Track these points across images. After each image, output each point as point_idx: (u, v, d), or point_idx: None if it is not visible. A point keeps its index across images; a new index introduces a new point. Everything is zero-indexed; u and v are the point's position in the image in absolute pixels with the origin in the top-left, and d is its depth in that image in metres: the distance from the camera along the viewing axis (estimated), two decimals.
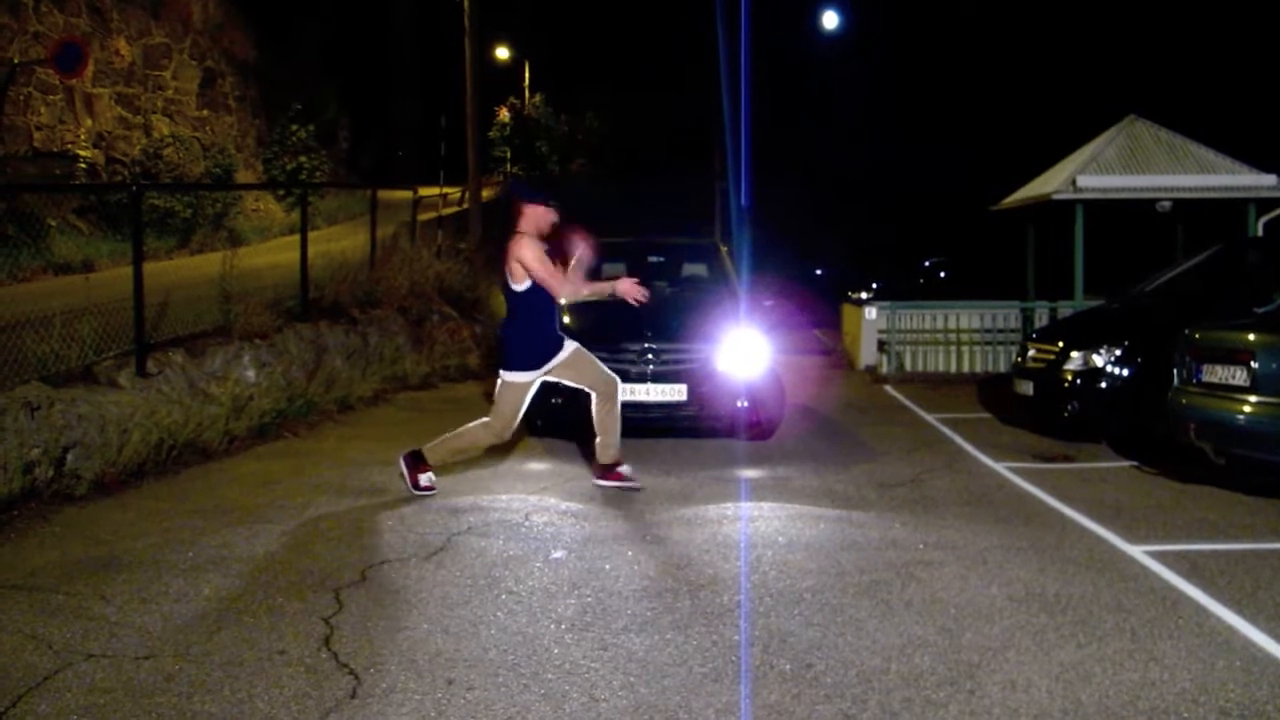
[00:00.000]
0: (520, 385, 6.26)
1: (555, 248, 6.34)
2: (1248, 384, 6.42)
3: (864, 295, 28.75)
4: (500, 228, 6.40)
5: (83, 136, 19.98)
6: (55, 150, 19.31)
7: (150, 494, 6.44)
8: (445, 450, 6.43)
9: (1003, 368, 13.29)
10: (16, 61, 18.46)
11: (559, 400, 7.91)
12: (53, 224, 15.49)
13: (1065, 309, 13.60)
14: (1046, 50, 41.94)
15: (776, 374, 8.49)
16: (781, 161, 40.26)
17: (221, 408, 7.88)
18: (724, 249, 10.61)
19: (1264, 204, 14.60)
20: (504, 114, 44.31)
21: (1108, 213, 15.21)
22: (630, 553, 5.24)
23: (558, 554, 5.22)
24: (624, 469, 6.61)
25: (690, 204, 30.65)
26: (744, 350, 8.08)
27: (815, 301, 24.30)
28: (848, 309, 17.05)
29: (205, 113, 24.02)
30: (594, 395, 6.44)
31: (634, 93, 39.92)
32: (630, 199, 30.40)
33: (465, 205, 26.25)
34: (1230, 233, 14.26)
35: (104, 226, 17.08)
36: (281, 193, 23.77)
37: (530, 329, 6.24)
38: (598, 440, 6.54)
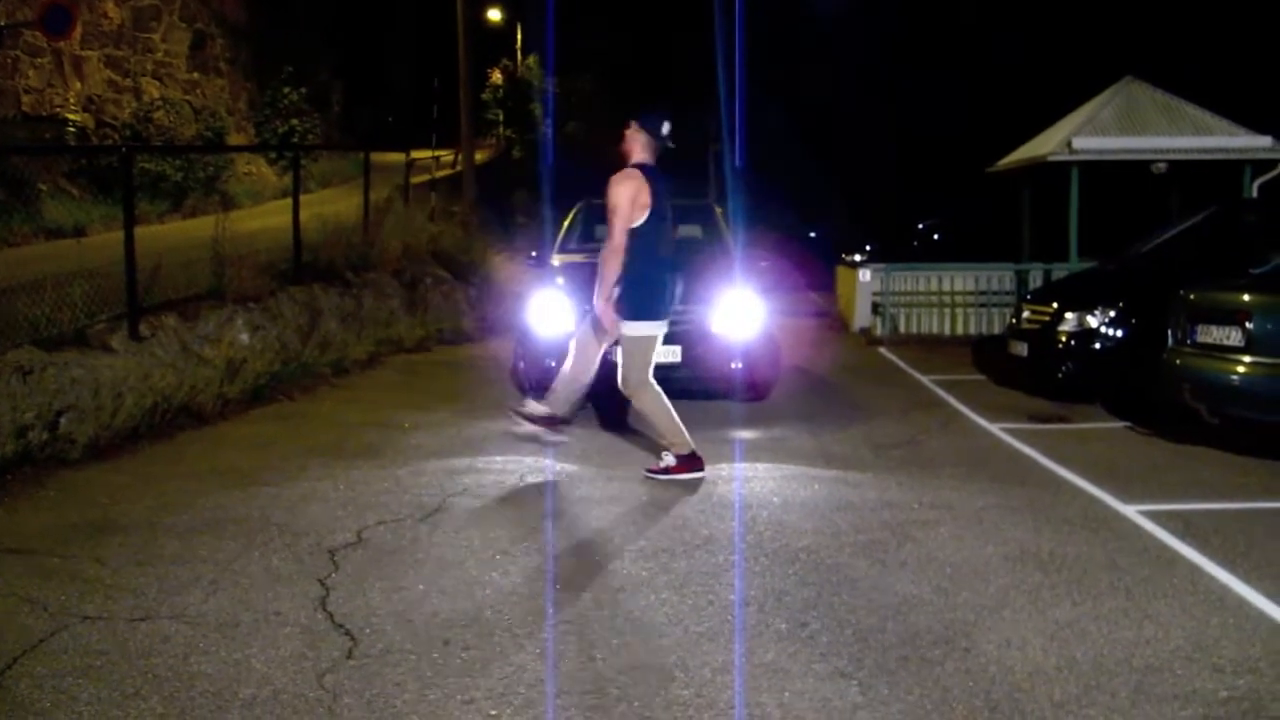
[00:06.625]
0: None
1: None
2: (1242, 344, 6.42)
3: (858, 257, 28.73)
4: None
5: (72, 100, 19.76)
6: (44, 114, 19.12)
7: (145, 457, 6.43)
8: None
9: (997, 329, 13.29)
10: (4, 23, 18.24)
11: (554, 363, 7.89)
12: (43, 188, 15.36)
13: (1060, 271, 13.57)
14: (1044, 11, 41.63)
15: (772, 335, 8.47)
16: (777, 123, 40.03)
17: (215, 371, 7.84)
18: (719, 210, 10.55)
19: (1260, 165, 14.55)
20: (497, 76, 43.92)
21: (1103, 174, 15.17)
22: (626, 513, 5.25)
23: (553, 515, 5.22)
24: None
25: (685, 165, 30.42)
26: (739, 311, 8.04)
27: (810, 264, 24.25)
28: (842, 271, 17.02)
29: (196, 75, 23.70)
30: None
31: (627, 53, 39.61)
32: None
33: (459, 168, 26.07)
34: (1226, 194, 14.22)
35: (95, 190, 16.90)
36: (274, 156, 23.57)
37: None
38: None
